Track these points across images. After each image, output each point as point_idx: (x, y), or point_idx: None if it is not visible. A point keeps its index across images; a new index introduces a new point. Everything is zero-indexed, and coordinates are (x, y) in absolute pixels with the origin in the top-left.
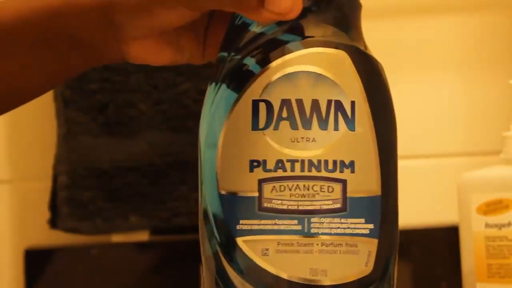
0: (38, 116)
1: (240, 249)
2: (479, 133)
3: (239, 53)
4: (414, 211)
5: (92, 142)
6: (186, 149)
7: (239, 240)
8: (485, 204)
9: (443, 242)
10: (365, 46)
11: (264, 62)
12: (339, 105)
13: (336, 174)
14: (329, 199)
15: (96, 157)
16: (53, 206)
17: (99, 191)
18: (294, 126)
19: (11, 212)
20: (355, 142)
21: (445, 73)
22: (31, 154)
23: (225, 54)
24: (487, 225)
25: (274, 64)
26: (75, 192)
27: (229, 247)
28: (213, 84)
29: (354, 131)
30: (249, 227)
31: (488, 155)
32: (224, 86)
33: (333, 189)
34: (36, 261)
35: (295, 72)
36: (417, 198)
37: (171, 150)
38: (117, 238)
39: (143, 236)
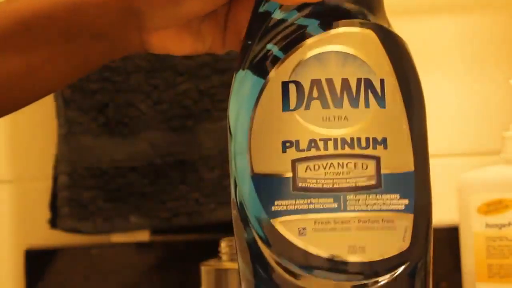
0: (38, 116)
1: (277, 231)
2: (479, 133)
3: (263, 40)
4: None
5: (92, 142)
6: (186, 149)
7: (275, 222)
8: (485, 204)
9: (443, 242)
10: (389, 24)
11: (289, 46)
12: (368, 83)
13: (370, 151)
14: (363, 176)
15: (96, 157)
16: (53, 206)
17: (99, 191)
18: (325, 105)
19: (11, 212)
20: (386, 119)
21: (445, 73)
22: (32, 154)
23: (250, 42)
24: (488, 225)
25: (301, 46)
26: (75, 192)
27: (266, 231)
28: (239, 71)
29: (385, 108)
30: (284, 208)
31: (488, 155)
32: (250, 72)
33: (367, 166)
34: (36, 261)
35: (323, 52)
36: None
37: (171, 150)
38: (117, 238)
39: (143, 236)
